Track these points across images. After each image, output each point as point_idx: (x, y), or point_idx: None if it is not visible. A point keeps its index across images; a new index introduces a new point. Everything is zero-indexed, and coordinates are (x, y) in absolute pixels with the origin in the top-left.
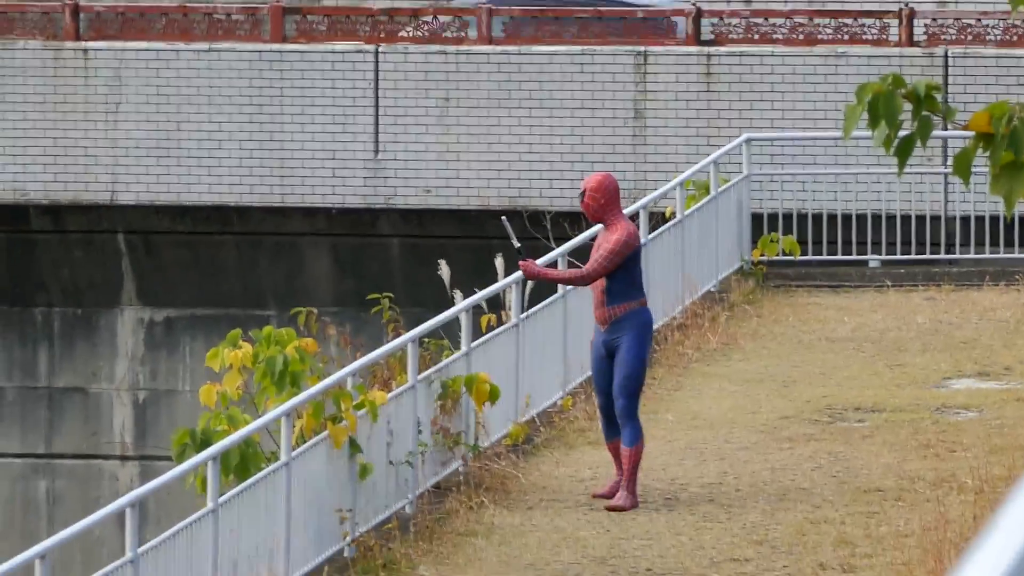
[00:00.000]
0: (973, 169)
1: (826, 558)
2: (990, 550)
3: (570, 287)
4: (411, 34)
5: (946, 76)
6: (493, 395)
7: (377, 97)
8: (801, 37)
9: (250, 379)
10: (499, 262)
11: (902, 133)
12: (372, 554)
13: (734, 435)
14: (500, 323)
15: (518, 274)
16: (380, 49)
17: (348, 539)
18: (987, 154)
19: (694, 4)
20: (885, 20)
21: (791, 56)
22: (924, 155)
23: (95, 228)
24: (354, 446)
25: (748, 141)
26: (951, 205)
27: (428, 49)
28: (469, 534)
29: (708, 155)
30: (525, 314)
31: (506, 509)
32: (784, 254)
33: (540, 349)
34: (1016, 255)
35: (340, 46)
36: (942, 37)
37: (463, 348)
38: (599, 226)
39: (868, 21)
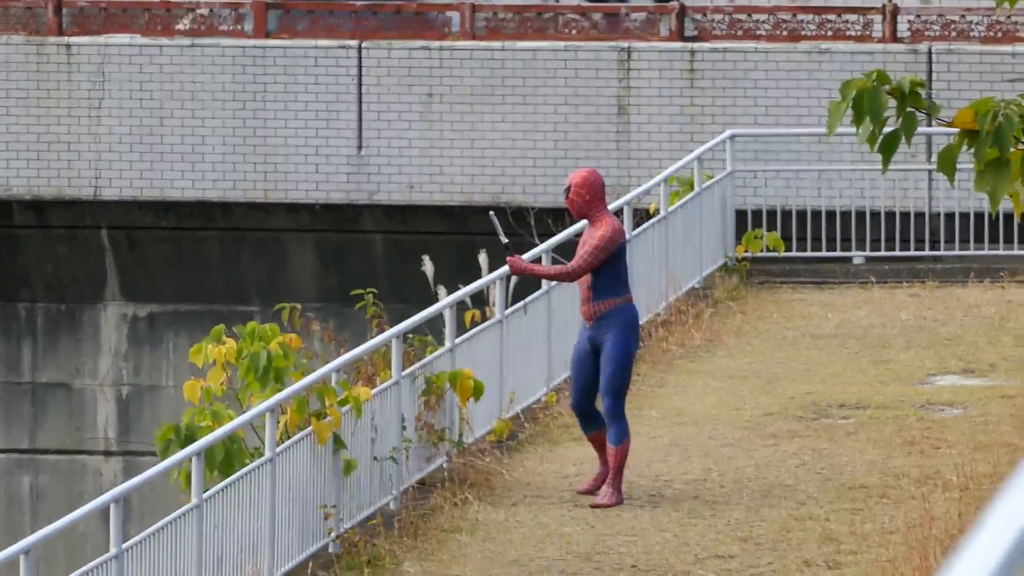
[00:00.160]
0: (958, 166)
1: (811, 555)
2: (977, 548)
3: (554, 283)
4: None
5: (930, 72)
6: (477, 391)
7: (360, 93)
8: (785, 33)
9: (234, 375)
10: (483, 258)
11: (886, 129)
12: (357, 550)
13: (718, 432)
14: (484, 319)
15: (502, 270)
16: (363, 45)
17: (333, 535)
18: (972, 151)
19: (678, 0)
20: (869, 16)
21: (775, 52)
22: (908, 152)
23: (78, 223)
24: (338, 442)
25: (732, 137)
26: (935, 202)
27: (411, 45)
28: (453, 530)
29: (692, 151)
30: (510, 310)
31: (490, 505)
32: (768, 250)
33: (524, 345)
34: (1000, 252)
35: (323, 42)
36: (926, 33)
37: (447, 344)
38: (584, 222)
39: (852, 17)
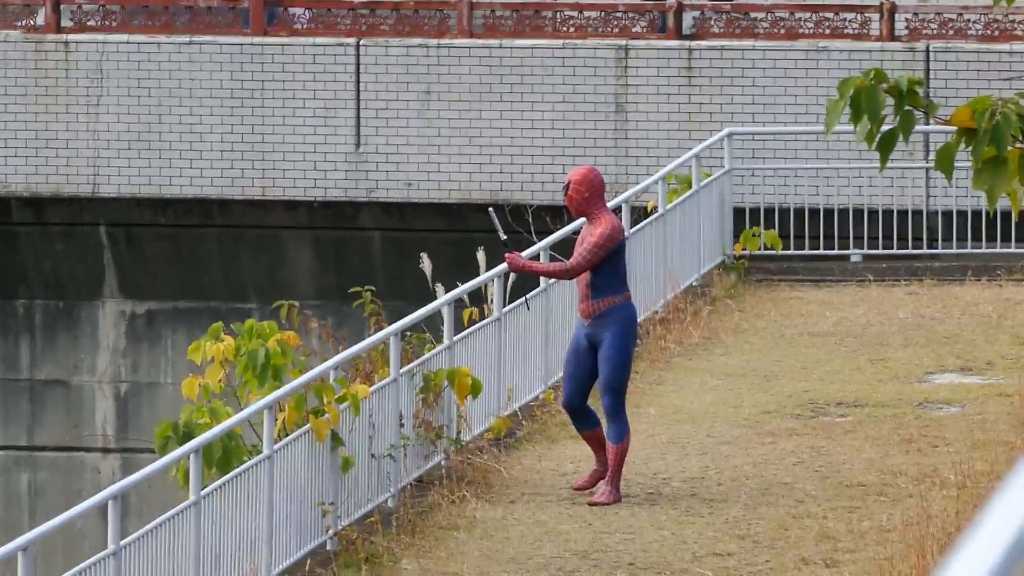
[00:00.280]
0: (955, 164)
1: (808, 553)
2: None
3: (553, 280)
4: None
5: (927, 70)
6: (475, 389)
7: (359, 90)
8: (782, 31)
9: (232, 372)
10: (481, 255)
11: (884, 128)
12: (354, 547)
13: (716, 429)
14: (482, 317)
15: (501, 267)
16: (361, 42)
17: (330, 532)
18: (969, 149)
19: None
20: (866, 14)
21: (772, 50)
22: (906, 150)
23: (77, 220)
24: (336, 439)
25: (730, 135)
26: (933, 200)
27: (409, 42)
28: (451, 528)
29: (690, 149)
30: (507, 308)
31: (488, 503)
32: (766, 248)
33: (522, 343)
34: (998, 250)
35: (321, 39)
36: (923, 31)
37: (445, 341)
38: (582, 220)
39: (849, 15)
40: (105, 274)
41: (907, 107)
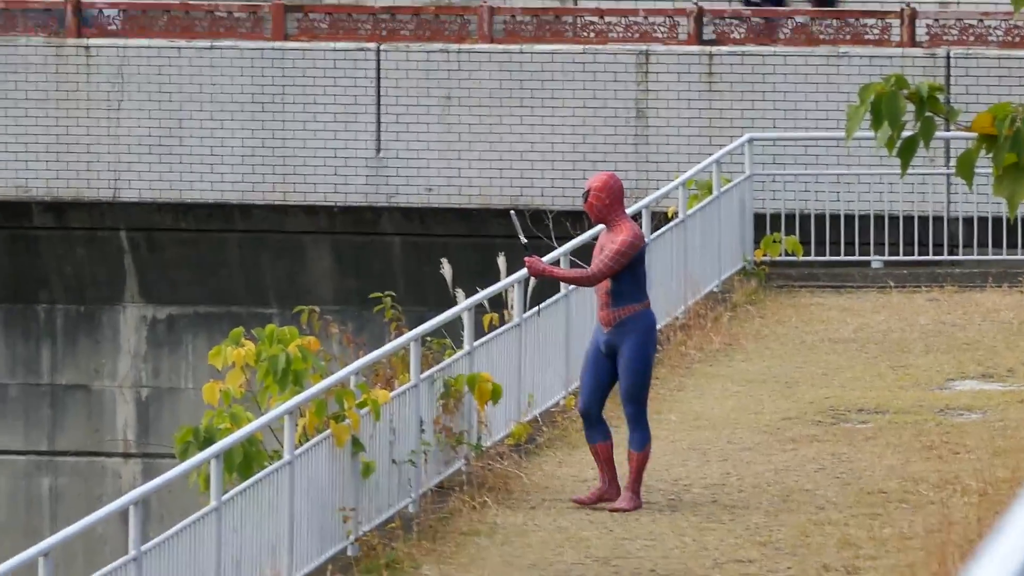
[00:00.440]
0: (976, 170)
1: (830, 560)
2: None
3: (572, 286)
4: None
5: (948, 77)
6: (495, 394)
7: (379, 95)
8: (803, 37)
9: (253, 377)
10: (501, 261)
11: (905, 134)
12: (375, 553)
13: (737, 436)
14: (503, 322)
15: (521, 273)
16: (382, 47)
17: (351, 538)
18: (990, 155)
19: (696, 3)
20: (887, 20)
21: (793, 56)
22: (927, 156)
23: (97, 225)
24: (357, 445)
25: (750, 141)
26: (954, 206)
27: (430, 47)
28: (472, 533)
29: (710, 155)
30: (527, 313)
31: (509, 509)
32: (787, 254)
33: (542, 348)
34: (1019, 256)
35: (342, 44)
36: (944, 37)
37: (465, 347)
38: (600, 226)
39: (870, 21)
40: (126, 279)
41: (927, 113)
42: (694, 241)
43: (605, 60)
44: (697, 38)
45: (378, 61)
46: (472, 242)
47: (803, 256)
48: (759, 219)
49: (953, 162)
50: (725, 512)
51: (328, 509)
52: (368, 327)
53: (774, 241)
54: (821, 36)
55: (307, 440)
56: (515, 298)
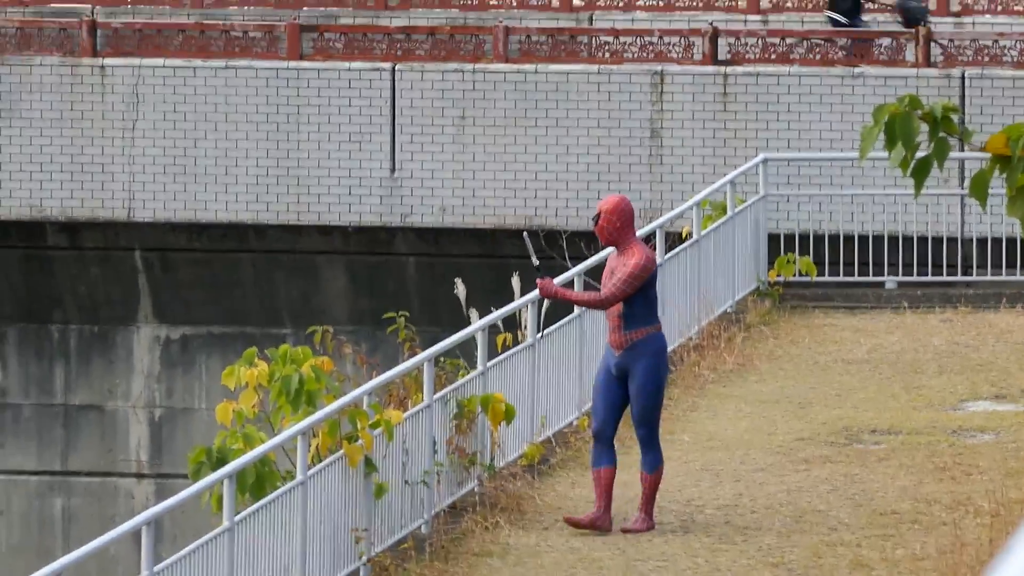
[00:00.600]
0: (990, 191)
1: None
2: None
3: (584, 308)
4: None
5: (963, 97)
6: (509, 415)
7: (394, 115)
8: (818, 57)
9: (266, 397)
10: (515, 281)
11: (919, 154)
12: (388, 574)
13: (750, 456)
14: (516, 342)
15: (534, 293)
16: (397, 67)
17: (364, 559)
18: (1004, 176)
19: (711, 23)
20: (902, 40)
21: (808, 76)
22: (941, 176)
23: (112, 245)
24: (370, 465)
25: (765, 161)
26: (968, 227)
27: (445, 67)
28: (485, 554)
29: (725, 175)
30: (541, 334)
31: (521, 529)
32: (801, 275)
33: (556, 369)
34: None
35: (357, 64)
36: (959, 58)
37: (479, 367)
38: (610, 249)
39: (885, 41)
40: (140, 299)
41: (941, 134)
42: (708, 261)
43: (620, 80)
44: (712, 58)
45: (393, 81)
46: (486, 262)
47: (817, 276)
48: (773, 239)
49: (967, 183)
50: (738, 533)
51: (341, 530)
52: (382, 347)
53: (788, 261)
54: (835, 56)
55: (320, 461)
56: (529, 318)
